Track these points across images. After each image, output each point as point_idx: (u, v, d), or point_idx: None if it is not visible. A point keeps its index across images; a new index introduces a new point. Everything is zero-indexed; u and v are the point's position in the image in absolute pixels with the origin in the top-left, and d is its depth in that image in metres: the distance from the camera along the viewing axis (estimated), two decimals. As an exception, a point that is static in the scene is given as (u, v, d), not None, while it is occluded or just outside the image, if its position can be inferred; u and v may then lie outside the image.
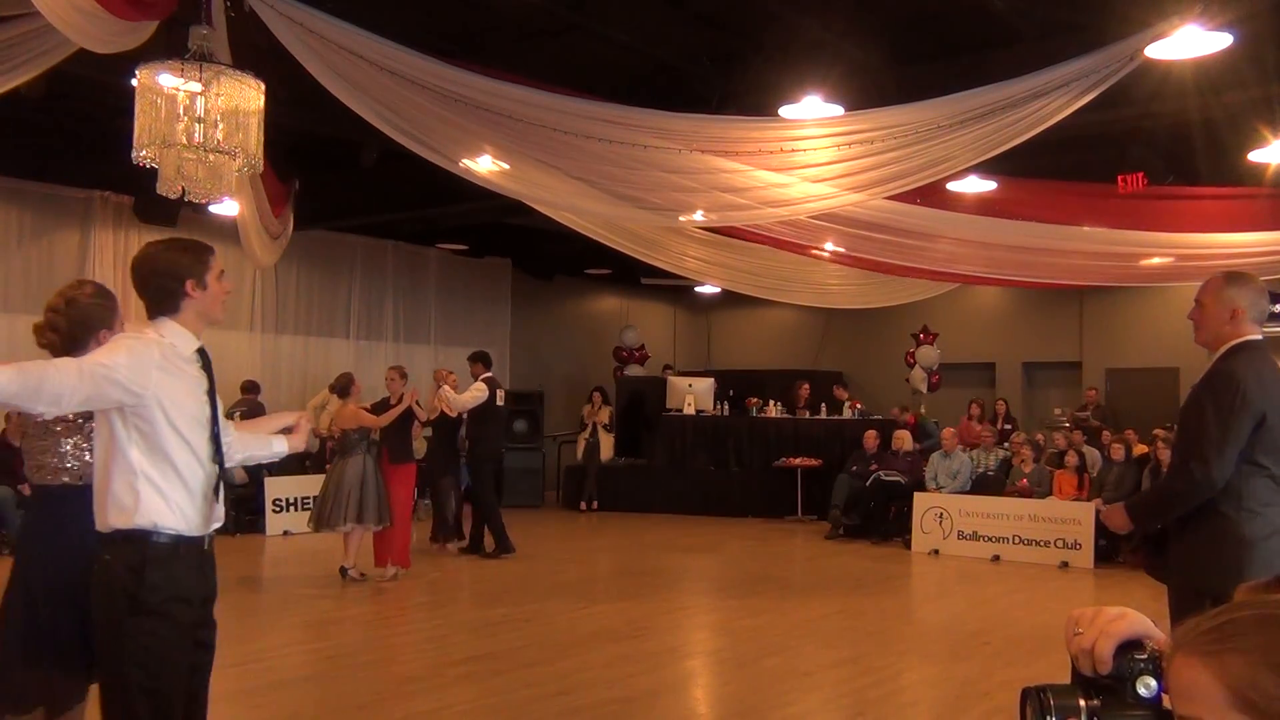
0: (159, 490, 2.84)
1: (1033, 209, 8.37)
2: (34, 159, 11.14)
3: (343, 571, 8.95)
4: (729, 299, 18.02)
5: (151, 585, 2.83)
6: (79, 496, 3.12)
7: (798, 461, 13.89)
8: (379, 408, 9.30)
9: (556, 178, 7.24)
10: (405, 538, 9.41)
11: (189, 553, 2.94)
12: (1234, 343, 3.55)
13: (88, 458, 3.29)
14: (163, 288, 3.02)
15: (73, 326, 3.32)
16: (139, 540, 2.83)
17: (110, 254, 12.19)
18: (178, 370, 2.92)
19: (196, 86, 5.22)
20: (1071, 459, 11.38)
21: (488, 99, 6.01)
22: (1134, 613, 1.15)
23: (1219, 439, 3.37)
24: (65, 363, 2.84)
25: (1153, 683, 1.08)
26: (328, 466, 9.69)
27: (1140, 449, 11.73)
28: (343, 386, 9.40)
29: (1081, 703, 1.13)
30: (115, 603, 2.83)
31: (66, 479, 3.38)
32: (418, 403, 9.46)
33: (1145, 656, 1.11)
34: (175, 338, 2.98)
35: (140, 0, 5.06)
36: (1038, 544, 10.77)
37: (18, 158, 10.95)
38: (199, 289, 3.05)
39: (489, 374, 10.80)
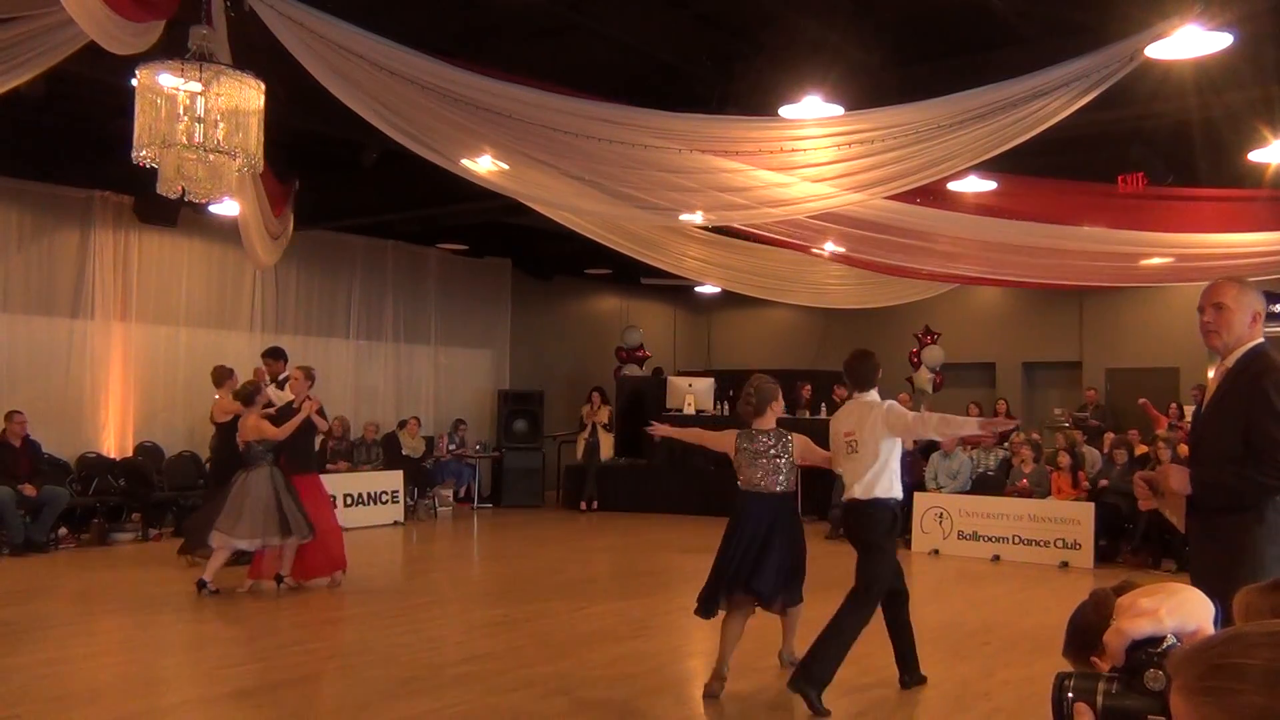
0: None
1: (1033, 209, 8.37)
2: (34, 159, 11.14)
3: (278, 579, 8.51)
4: (729, 299, 18.02)
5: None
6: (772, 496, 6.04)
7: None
8: (284, 412, 8.72)
9: (556, 178, 7.24)
10: (337, 542, 8.86)
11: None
12: (1257, 343, 3.62)
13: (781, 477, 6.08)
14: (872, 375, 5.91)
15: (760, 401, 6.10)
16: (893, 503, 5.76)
17: (110, 254, 12.18)
18: None
19: (196, 86, 5.23)
20: (1064, 459, 11.36)
21: (488, 99, 6.00)
22: (1165, 608, 1.14)
23: None
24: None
25: (1162, 677, 1.09)
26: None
27: (1141, 449, 11.72)
28: (247, 394, 8.77)
29: (1100, 687, 1.14)
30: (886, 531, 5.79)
31: (779, 488, 6.09)
32: (320, 411, 8.87)
33: (1158, 651, 1.12)
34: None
35: (144, 0, 5.07)
36: (1038, 544, 10.77)
37: (18, 158, 10.95)
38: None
39: (287, 373, 10.11)
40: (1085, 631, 1.47)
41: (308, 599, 8.52)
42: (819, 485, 13.45)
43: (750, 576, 5.75)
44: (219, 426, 9.81)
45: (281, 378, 9.85)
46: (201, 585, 8.17)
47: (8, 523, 10.07)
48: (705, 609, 5.86)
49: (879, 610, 5.84)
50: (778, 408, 6.15)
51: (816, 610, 6.62)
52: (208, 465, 11.53)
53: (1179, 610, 1.14)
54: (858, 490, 5.75)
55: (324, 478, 12.57)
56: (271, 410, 8.85)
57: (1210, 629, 1.16)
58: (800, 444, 6.07)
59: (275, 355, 10.30)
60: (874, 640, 6.92)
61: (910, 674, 5.97)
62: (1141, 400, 10.63)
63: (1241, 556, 3.41)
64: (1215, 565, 3.48)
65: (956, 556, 11.00)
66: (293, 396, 8.99)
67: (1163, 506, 3.79)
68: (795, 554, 5.91)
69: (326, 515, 8.79)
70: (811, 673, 5.40)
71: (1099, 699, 1.14)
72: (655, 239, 10.19)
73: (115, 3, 4.80)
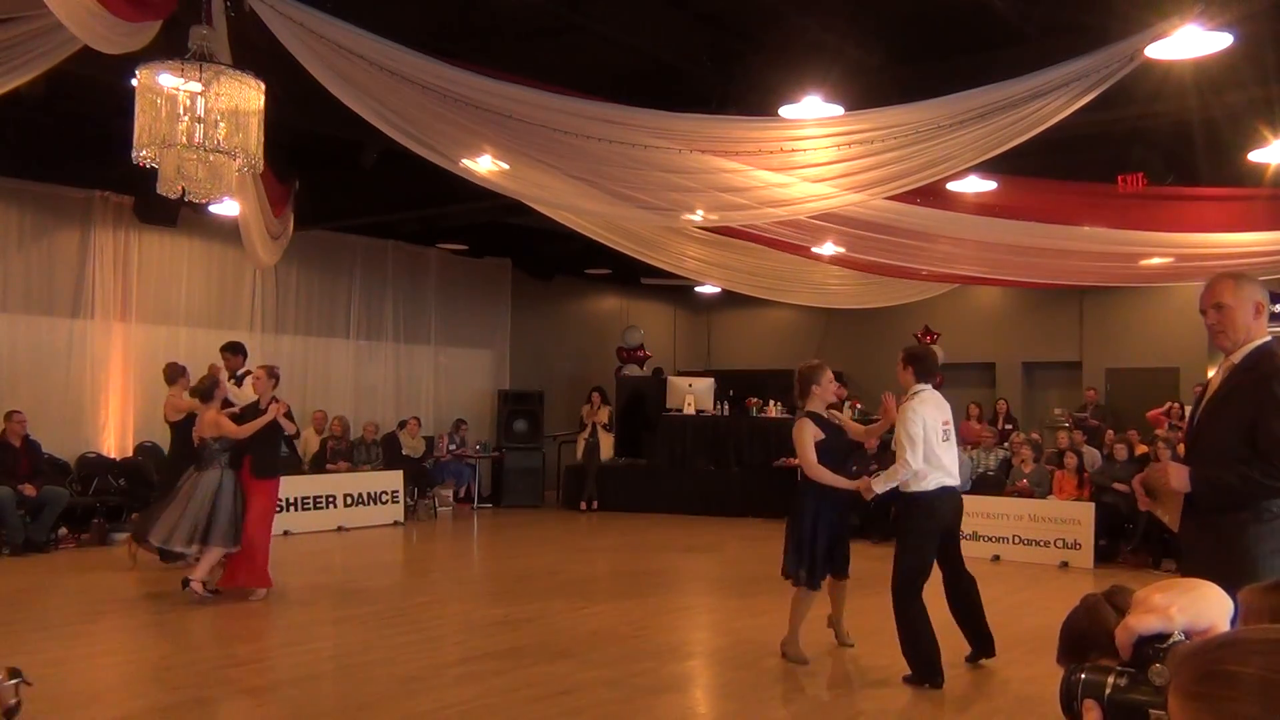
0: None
1: (1033, 209, 8.37)
2: (34, 159, 11.13)
3: (184, 583, 8.05)
4: (729, 299, 18.02)
5: None
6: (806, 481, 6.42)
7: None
8: (249, 412, 8.35)
9: (556, 178, 7.24)
10: (264, 557, 8.33)
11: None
12: (1264, 341, 3.56)
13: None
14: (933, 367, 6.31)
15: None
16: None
17: (110, 254, 12.18)
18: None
19: (196, 86, 5.22)
20: (1070, 460, 11.38)
21: (488, 99, 6.00)
22: (1177, 605, 1.14)
23: None
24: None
25: (1166, 672, 1.10)
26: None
27: (1141, 449, 11.72)
28: (205, 390, 8.44)
29: (1109, 680, 1.16)
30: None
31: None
32: (288, 415, 8.49)
33: (1164, 647, 1.13)
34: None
35: (140, 0, 5.06)
36: (1038, 544, 10.77)
37: (18, 158, 10.94)
38: None
39: (246, 369, 9.68)
40: (1078, 638, 1.47)
41: (306, 600, 8.52)
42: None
43: None
44: (173, 427, 9.61)
45: (240, 373, 9.47)
46: (185, 583, 8.03)
47: (8, 523, 10.07)
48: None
49: (892, 604, 6.01)
50: (820, 391, 6.54)
51: (816, 610, 6.63)
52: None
53: (1191, 608, 1.14)
54: (957, 480, 6.19)
55: (324, 478, 12.74)
56: (235, 409, 8.55)
57: (1224, 628, 1.16)
58: (794, 430, 6.53)
59: (234, 350, 9.81)
60: (873, 640, 6.94)
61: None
62: (1151, 415, 10.70)
63: (1234, 555, 3.39)
64: (1208, 564, 3.45)
65: (956, 556, 10.98)
66: (254, 395, 8.69)
67: (1156, 507, 3.75)
68: (789, 529, 6.52)
69: (263, 530, 8.36)
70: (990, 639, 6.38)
71: (1106, 692, 1.15)
72: (655, 239, 10.18)
73: (110, 3, 4.79)
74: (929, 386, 6.12)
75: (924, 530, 5.97)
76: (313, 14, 5.48)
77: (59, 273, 11.85)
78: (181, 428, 9.48)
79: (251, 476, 8.24)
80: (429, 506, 14.21)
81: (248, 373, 9.45)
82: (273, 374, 8.52)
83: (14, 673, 5.45)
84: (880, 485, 6.05)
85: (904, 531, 6.08)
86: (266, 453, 8.40)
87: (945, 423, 6.06)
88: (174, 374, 9.86)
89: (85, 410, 11.96)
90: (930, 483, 5.91)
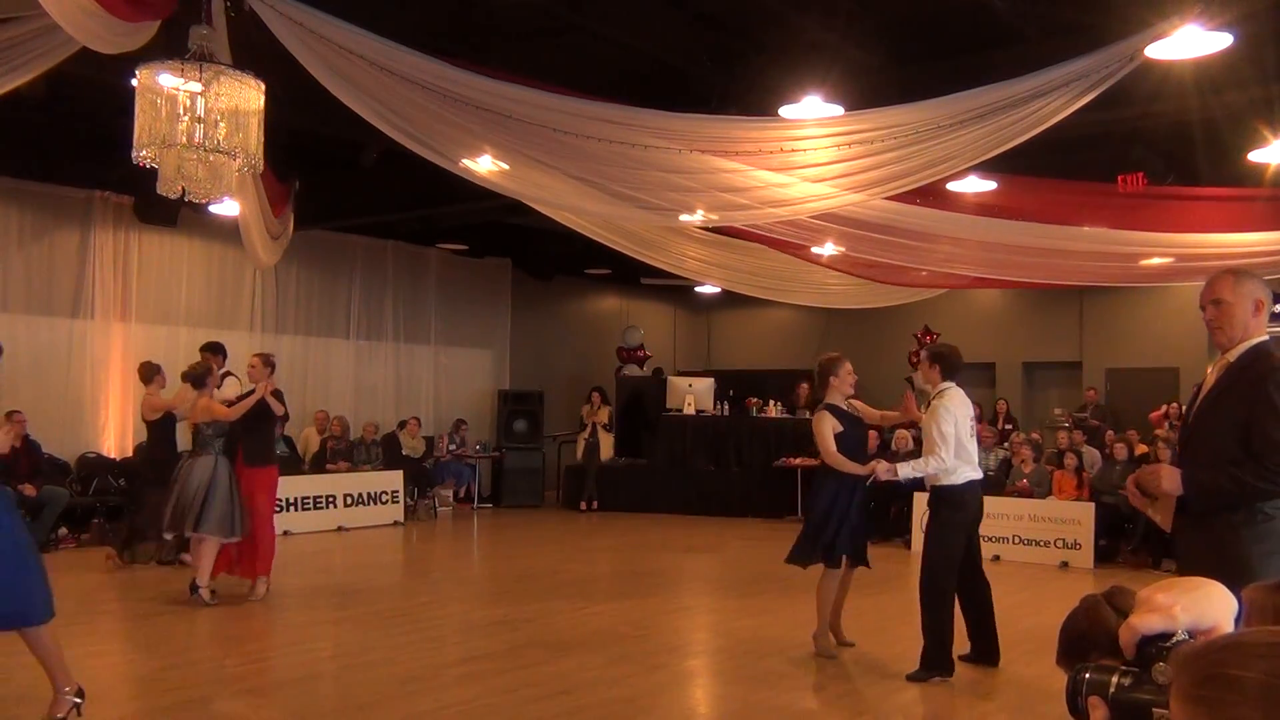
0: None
1: (1033, 209, 8.37)
2: (34, 159, 11.13)
3: (193, 588, 7.90)
4: (729, 299, 18.02)
5: None
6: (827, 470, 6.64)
7: (798, 461, 13.88)
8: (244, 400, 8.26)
9: (556, 178, 7.24)
10: (267, 547, 8.30)
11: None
12: (1260, 340, 3.51)
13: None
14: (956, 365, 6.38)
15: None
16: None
17: (110, 254, 12.18)
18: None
19: (196, 86, 5.22)
20: (1070, 460, 11.38)
21: (488, 99, 6.00)
22: (1180, 605, 1.14)
23: None
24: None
25: (1170, 671, 1.10)
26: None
27: (1141, 449, 11.72)
28: (197, 376, 8.34)
29: (1114, 679, 1.16)
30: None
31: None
32: (276, 395, 8.28)
33: (1168, 645, 1.13)
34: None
35: (139, 0, 5.06)
36: (1038, 544, 10.77)
37: (18, 158, 10.94)
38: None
39: (225, 369, 9.56)
40: (1078, 638, 1.47)
41: (305, 600, 8.52)
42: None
43: None
44: (150, 425, 9.52)
45: (220, 373, 9.24)
46: (194, 589, 7.94)
47: (7, 523, 10.04)
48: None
49: (919, 595, 6.21)
50: (837, 383, 6.72)
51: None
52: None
53: (1195, 607, 1.14)
54: (980, 474, 6.38)
55: (324, 478, 12.73)
56: (231, 396, 8.50)
57: (1228, 627, 1.16)
58: (813, 423, 6.81)
59: (214, 350, 9.54)
60: (873, 640, 6.95)
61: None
62: (1154, 417, 10.75)
63: (1227, 556, 3.37)
64: (1203, 566, 3.43)
65: (956, 556, 10.97)
66: (232, 396, 8.57)
67: (1148, 507, 3.70)
68: (806, 517, 6.94)
69: (265, 518, 8.29)
70: (996, 647, 6.38)
71: (1110, 691, 1.15)
72: (655, 239, 10.19)
73: (108, 3, 4.79)
74: (954, 384, 6.29)
75: (954, 522, 6.17)
76: (313, 14, 5.48)
77: (59, 273, 11.85)
78: (159, 426, 9.46)
79: (245, 465, 8.15)
80: (429, 506, 14.21)
81: (228, 373, 9.42)
82: (268, 362, 8.45)
83: (79, 692, 5.63)
84: (905, 471, 6.25)
85: (934, 524, 6.30)
86: (258, 439, 8.29)
87: (971, 419, 6.30)
88: (149, 373, 9.77)
89: (85, 410, 11.96)
90: (959, 477, 6.13)
